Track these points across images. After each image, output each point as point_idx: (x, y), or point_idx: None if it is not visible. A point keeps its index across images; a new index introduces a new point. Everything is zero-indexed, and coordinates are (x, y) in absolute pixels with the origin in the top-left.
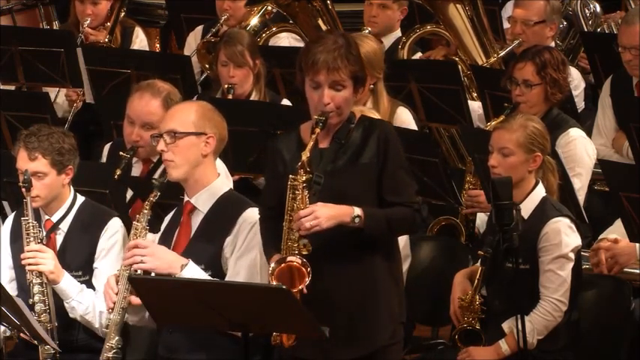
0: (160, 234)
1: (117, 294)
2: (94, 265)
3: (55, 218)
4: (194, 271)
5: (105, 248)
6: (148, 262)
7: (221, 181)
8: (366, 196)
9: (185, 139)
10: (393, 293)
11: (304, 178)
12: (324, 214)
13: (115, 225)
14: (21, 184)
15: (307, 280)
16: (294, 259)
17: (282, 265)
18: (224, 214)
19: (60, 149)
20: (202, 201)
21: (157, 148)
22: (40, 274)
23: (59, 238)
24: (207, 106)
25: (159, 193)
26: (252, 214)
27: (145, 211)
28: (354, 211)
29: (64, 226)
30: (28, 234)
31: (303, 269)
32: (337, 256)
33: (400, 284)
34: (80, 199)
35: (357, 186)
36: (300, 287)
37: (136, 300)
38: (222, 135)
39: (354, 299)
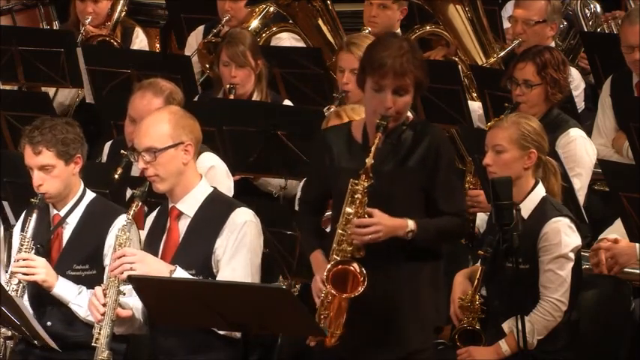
0: (144, 236)
1: (104, 305)
2: (105, 262)
3: (63, 212)
4: (183, 276)
5: (113, 244)
6: (138, 268)
7: (204, 182)
8: (412, 199)
9: (164, 154)
10: (431, 299)
11: (366, 184)
12: (384, 229)
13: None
14: (33, 199)
15: (360, 290)
16: (356, 266)
17: (340, 266)
18: (212, 216)
19: (64, 140)
20: (188, 205)
21: (138, 166)
22: (19, 281)
23: (66, 233)
24: (178, 112)
25: (140, 203)
26: (240, 213)
27: (128, 221)
28: (408, 226)
29: (72, 219)
30: (20, 249)
31: (360, 278)
32: (383, 259)
33: (440, 290)
34: (90, 194)
35: (404, 189)
36: (349, 295)
37: (123, 313)
38: (197, 138)
39: (392, 303)
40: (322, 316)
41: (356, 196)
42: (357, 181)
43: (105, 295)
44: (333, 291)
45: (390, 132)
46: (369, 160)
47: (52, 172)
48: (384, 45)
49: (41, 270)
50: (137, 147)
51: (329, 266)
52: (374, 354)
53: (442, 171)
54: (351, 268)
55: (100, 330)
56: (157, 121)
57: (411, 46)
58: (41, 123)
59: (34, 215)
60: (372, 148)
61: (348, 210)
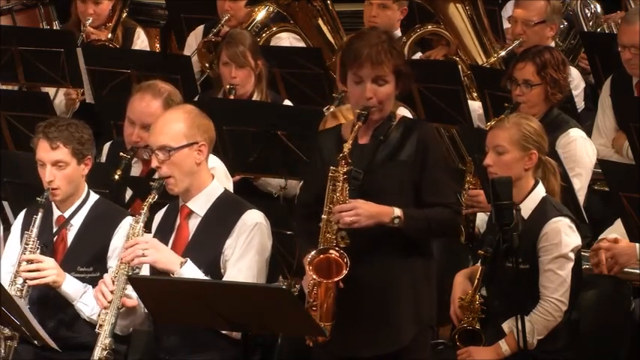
0: (152, 234)
1: (112, 292)
2: (109, 264)
3: (67, 214)
4: (193, 270)
5: (118, 246)
6: (150, 254)
7: (216, 182)
8: (402, 193)
9: (178, 153)
10: (423, 295)
11: (345, 169)
12: (364, 212)
13: (128, 223)
14: (39, 198)
15: (345, 272)
16: (333, 252)
17: (321, 256)
18: (222, 217)
19: (80, 138)
20: (199, 205)
21: (152, 165)
22: (24, 280)
23: (70, 234)
24: (193, 112)
25: (157, 196)
26: (251, 216)
27: (143, 212)
28: (394, 212)
29: (76, 221)
30: (25, 248)
31: (341, 261)
32: (373, 253)
33: (432, 287)
34: (94, 196)
35: (394, 183)
36: (336, 279)
37: (129, 302)
38: (211, 137)
39: (383, 297)
40: (313, 308)
41: (337, 184)
42: (335, 168)
43: (113, 282)
44: (316, 277)
45: (378, 128)
46: (346, 146)
47: (65, 169)
48: (360, 37)
49: (52, 272)
50: (151, 145)
51: (309, 257)
52: (368, 349)
53: (429, 164)
54: (331, 255)
55: (105, 317)
56: (173, 120)
57: (388, 36)
58: (56, 120)
59: (40, 214)
60: (351, 136)
61: (330, 198)
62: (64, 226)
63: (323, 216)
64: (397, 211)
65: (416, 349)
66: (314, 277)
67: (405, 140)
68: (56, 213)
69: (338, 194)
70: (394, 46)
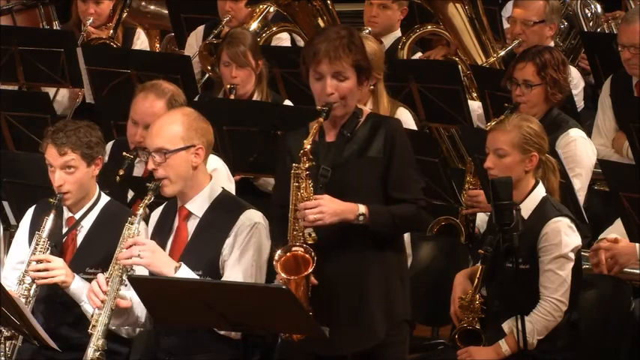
0: (149, 235)
1: (105, 293)
2: None
3: (77, 215)
4: (187, 274)
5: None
6: (146, 257)
7: (214, 183)
8: (371, 189)
9: (175, 156)
10: (397, 290)
11: (307, 165)
12: (328, 210)
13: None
14: (52, 199)
15: (312, 266)
16: (298, 249)
17: (288, 254)
18: (221, 218)
19: (88, 142)
20: (197, 206)
21: (148, 167)
22: (33, 280)
23: (80, 235)
24: (191, 115)
25: (153, 197)
26: (249, 216)
27: (139, 213)
28: (358, 209)
29: (87, 223)
30: (35, 249)
31: (307, 256)
32: (344, 249)
33: (405, 281)
34: (105, 198)
35: (363, 179)
36: (305, 273)
37: (123, 303)
38: (209, 141)
39: (356, 293)
40: None
41: (300, 180)
42: (298, 165)
43: (107, 283)
44: (285, 276)
45: (345, 125)
46: (307, 142)
47: (75, 173)
48: (320, 34)
49: (61, 271)
50: (148, 147)
51: (276, 256)
52: (345, 346)
53: (397, 159)
54: (297, 252)
55: (97, 317)
56: (170, 122)
57: (349, 32)
58: (64, 125)
59: (52, 216)
60: (311, 132)
61: (295, 195)
62: (75, 227)
63: (289, 214)
64: (362, 209)
65: (392, 345)
66: (283, 275)
67: (373, 136)
68: (67, 214)
69: (302, 191)
70: (353, 41)
